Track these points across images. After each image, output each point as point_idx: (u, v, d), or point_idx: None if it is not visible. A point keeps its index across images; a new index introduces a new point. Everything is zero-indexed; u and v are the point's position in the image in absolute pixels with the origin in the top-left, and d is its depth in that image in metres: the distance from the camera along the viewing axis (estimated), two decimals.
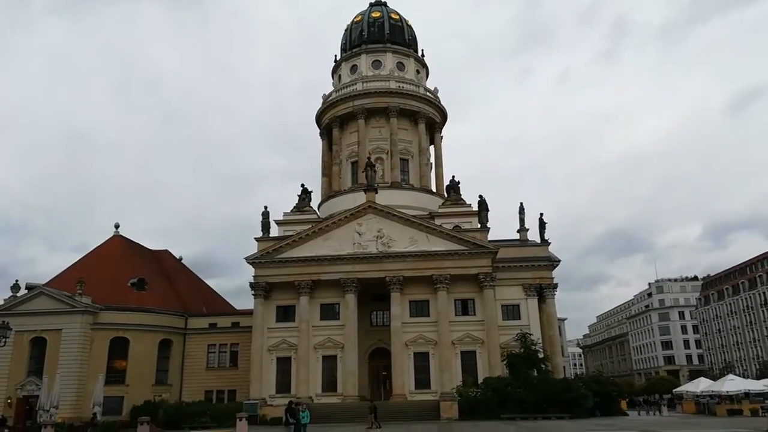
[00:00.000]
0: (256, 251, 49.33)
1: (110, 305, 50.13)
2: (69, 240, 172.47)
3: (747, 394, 46.67)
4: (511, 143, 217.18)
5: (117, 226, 59.99)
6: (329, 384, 46.71)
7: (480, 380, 43.48)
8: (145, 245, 63.62)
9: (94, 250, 58.59)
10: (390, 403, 43.68)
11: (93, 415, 36.57)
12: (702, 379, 54.49)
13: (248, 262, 48.97)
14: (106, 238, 59.44)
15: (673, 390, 62.29)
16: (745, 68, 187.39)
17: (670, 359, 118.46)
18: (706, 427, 28.70)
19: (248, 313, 51.77)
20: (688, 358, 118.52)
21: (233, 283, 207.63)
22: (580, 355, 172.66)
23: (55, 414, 34.45)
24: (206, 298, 63.33)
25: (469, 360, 46.67)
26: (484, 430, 29.06)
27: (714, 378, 60.25)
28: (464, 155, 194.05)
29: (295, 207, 53.20)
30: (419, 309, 48.48)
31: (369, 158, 53.97)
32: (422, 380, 46.58)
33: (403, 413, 40.51)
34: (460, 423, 35.83)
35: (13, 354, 46.63)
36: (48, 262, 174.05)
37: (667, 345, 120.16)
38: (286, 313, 49.11)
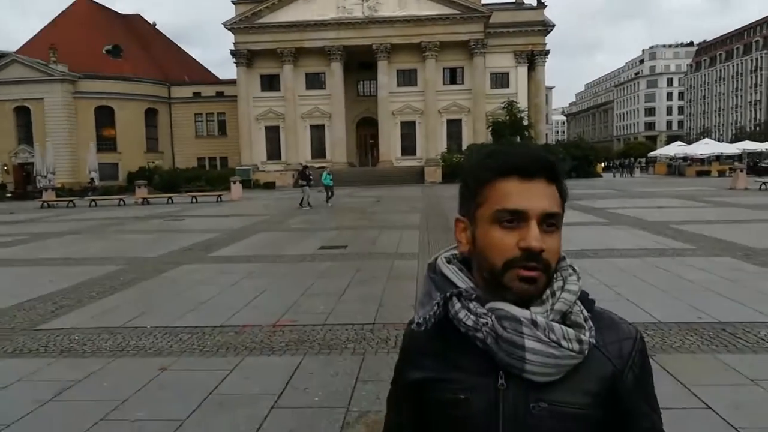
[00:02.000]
0: (234, 16, 46.42)
1: (89, 73, 48.83)
2: (37, 4, 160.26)
3: (718, 157, 48.93)
4: None
5: None
6: (318, 151, 48.04)
7: (464, 147, 44.87)
8: (114, 9, 59.46)
9: (60, 15, 54.84)
10: (377, 169, 45.60)
11: (91, 180, 38.08)
12: (677, 143, 56.48)
13: (226, 28, 46.43)
14: (71, 2, 55.28)
15: (648, 153, 65.02)
16: None
17: (650, 125, 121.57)
18: (666, 185, 30.51)
19: (232, 82, 50.74)
20: (669, 124, 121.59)
21: (215, 53, 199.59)
22: (563, 123, 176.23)
23: (53, 179, 35.71)
24: (187, 68, 61.40)
25: (454, 128, 47.53)
26: None
27: (690, 143, 62.52)
28: None
29: None
30: (407, 78, 47.69)
31: None
32: (408, 148, 47.97)
33: (390, 178, 42.50)
34: (443, 186, 37.90)
35: None
36: (16, 31, 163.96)
37: (650, 112, 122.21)
38: (270, 82, 48.26)
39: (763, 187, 26.17)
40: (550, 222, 0.96)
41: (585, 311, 0.99)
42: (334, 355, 5.02)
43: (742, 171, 28.64)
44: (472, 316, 0.98)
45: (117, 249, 12.55)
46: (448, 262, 1.05)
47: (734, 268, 8.29)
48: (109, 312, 6.79)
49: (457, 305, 0.99)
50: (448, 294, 1.01)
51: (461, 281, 1.01)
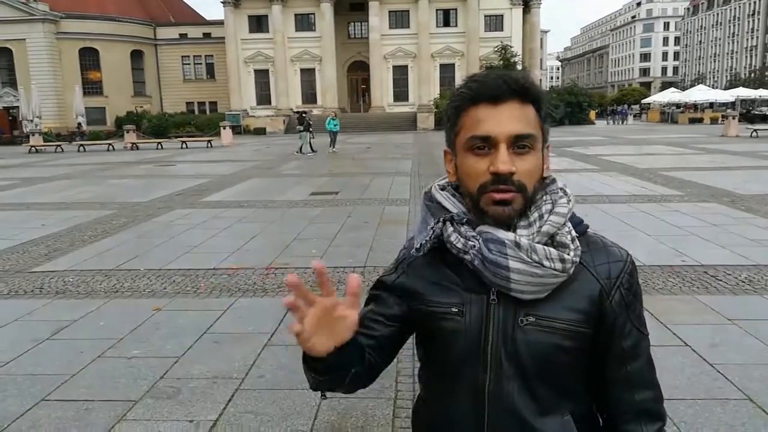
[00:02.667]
0: None
1: (71, 13, 47.24)
2: None
3: (712, 104, 48.66)
4: None
5: None
6: (309, 96, 47.27)
7: None
8: None
9: None
10: (369, 115, 45.10)
11: (78, 125, 37.45)
12: (672, 89, 55.98)
13: None
14: None
15: (642, 100, 64.57)
16: None
17: (645, 71, 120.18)
18: (658, 132, 30.46)
19: (219, 23, 49.33)
20: (664, 70, 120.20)
21: None
22: (558, 68, 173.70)
23: (40, 123, 35.07)
24: (172, 7, 59.45)
25: (447, 73, 46.75)
26: None
27: (684, 89, 62.01)
28: None
29: None
30: (399, 20, 46.51)
31: None
32: (400, 93, 47.28)
33: (382, 124, 42.11)
34: (436, 132, 37.63)
35: None
36: None
37: (645, 57, 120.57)
38: (259, 24, 46.95)
39: (755, 134, 26.21)
40: (522, 144, 0.96)
41: (573, 232, 1.02)
42: None
43: (734, 118, 28.55)
44: (461, 239, 1.01)
45: (108, 194, 12.51)
46: (442, 189, 1.09)
47: (720, 213, 8.42)
48: (102, 255, 6.85)
49: (450, 229, 1.03)
50: (441, 219, 1.04)
51: (453, 206, 1.05)
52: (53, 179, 15.72)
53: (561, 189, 1.04)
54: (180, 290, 5.40)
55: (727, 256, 6.08)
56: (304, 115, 23.44)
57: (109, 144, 29.77)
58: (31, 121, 34.59)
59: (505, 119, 0.95)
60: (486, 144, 0.96)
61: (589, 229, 1.07)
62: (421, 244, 1.06)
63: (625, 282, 1.02)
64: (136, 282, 5.67)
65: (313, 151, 21.81)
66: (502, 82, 0.97)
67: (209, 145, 29.44)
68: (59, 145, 29.78)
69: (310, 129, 22.58)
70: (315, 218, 8.94)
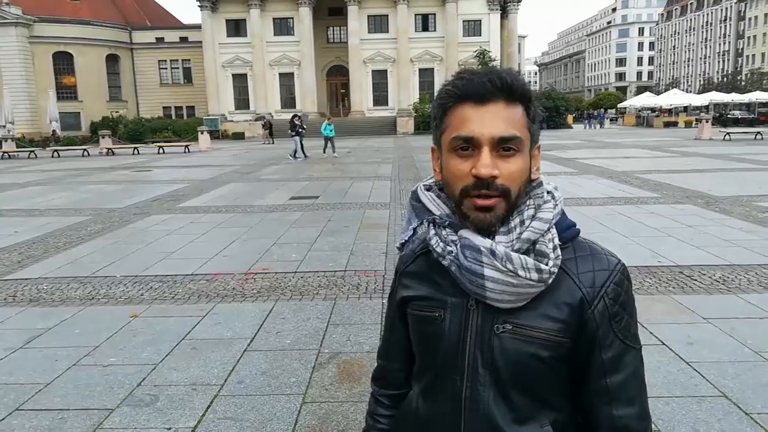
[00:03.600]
0: None
1: (44, 17, 46.48)
2: None
3: (686, 108, 49.60)
4: None
5: None
6: (288, 101, 47.10)
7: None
8: None
9: None
10: (348, 119, 45.04)
11: (53, 131, 36.79)
12: (647, 93, 57.00)
13: None
14: None
15: (618, 105, 65.60)
16: None
17: (621, 76, 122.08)
18: (634, 136, 30.99)
19: (197, 27, 48.97)
20: (639, 75, 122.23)
21: None
22: (536, 73, 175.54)
23: (13, 129, 34.38)
24: (148, 11, 58.85)
25: (426, 77, 46.98)
26: None
27: (659, 93, 63.06)
28: None
29: None
30: (378, 25, 46.61)
31: None
32: (380, 98, 47.35)
33: (362, 129, 42.10)
34: (415, 136, 37.76)
35: None
36: None
37: (621, 62, 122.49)
38: (237, 28, 46.67)
39: (728, 137, 26.78)
40: (506, 146, 0.92)
41: (556, 240, 0.97)
42: (305, 300, 5.10)
43: (707, 122, 29.16)
44: (441, 243, 0.99)
45: (83, 200, 12.30)
46: (428, 189, 1.05)
47: (695, 214, 8.57)
48: (77, 262, 6.72)
49: (431, 232, 1.01)
50: (423, 221, 1.03)
51: (437, 208, 1.02)
52: (26, 185, 15.41)
53: (548, 192, 0.99)
54: (157, 296, 5.32)
55: (702, 256, 6.18)
56: (295, 120, 23.24)
57: (84, 149, 29.29)
58: (4, 126, 33.90)
59: (490, 120, 0.91)
60: (469, 145, 0.92)
61: (579, 235, 1.02)
62: (401, 243, 1.06)
63: (611, 291, 0.96)
64: (112, 289, 5.58)
65: (294, 157, 21.70)
66: (488, 81, 0.92)
67: (186, 150, 29.15)
68: (33, 151, 29.21)
69: (301, 133, 22.34)
70: (294, 222, 8.89)
